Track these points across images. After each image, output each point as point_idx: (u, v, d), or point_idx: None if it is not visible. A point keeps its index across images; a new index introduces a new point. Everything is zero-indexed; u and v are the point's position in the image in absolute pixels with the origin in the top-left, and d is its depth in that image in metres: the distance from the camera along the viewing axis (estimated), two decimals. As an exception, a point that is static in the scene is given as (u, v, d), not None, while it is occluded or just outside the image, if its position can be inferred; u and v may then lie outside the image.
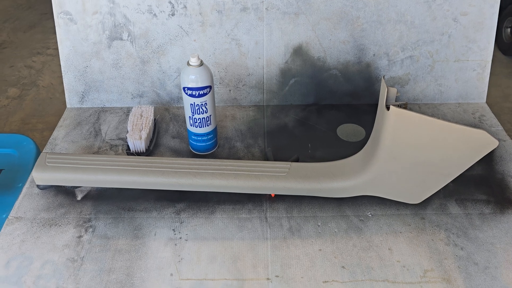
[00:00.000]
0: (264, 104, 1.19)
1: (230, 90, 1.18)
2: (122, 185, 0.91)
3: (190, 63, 0.91)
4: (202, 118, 0.96)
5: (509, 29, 2.64)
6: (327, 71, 1.16)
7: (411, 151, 0.80)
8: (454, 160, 0.79)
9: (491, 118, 1.14)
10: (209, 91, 0.93)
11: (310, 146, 1.04)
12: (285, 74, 1.16)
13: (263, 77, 1.16)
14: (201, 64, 0.91)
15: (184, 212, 0.89)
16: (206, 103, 0.94)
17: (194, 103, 0.93)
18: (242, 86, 1.17)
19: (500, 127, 1.11)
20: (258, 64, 1.15)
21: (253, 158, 1.02)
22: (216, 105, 1.18)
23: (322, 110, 1.17)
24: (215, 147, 1.03)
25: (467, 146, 0.77)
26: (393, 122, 0.77)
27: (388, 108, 0.76)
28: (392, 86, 1.17)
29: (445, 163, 0.80)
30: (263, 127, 1.11)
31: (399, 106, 0.77)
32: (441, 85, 1.18)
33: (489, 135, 0.74)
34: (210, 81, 0.93)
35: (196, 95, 0.92)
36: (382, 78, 0.80)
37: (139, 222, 0.87)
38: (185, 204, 0.91)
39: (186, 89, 0.92)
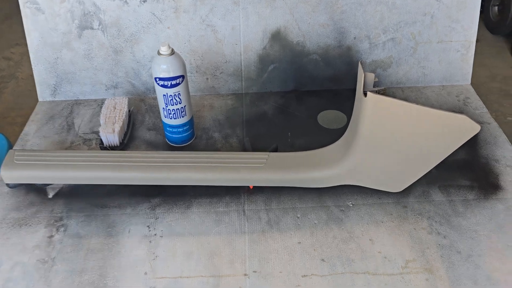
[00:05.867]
0: (243, 92, 1.15)
1: (207, 79, 1.14)
2: (94, 181, 0.87)
3: (161, 52, 0.87)
4: (177, 109, 0.92)
5: (496, 7, 2.60)
6: (307, 56, 1.12)
7: (390, 139, 0.77)
8: (435, 146, 0.76)
9: (475, 100, 1.11)
10: (182, 81, 0.89)
11: (289, 135, 1.01)
12: (263, 60, 1.12)
13: (241, 64, 1.12)
14: (172, 52, 0.87)
15: (160, 208, 0.86)
16: (179, 93, 0.90)
17: (167, 94, 0.90)
18: (220, 74, 1.13)
19: (485, 109, 1.08)
20: (235, 50, 1.10)
21: (231, 149, 0.99)
22: (193, 94, 1.15)
23: (303, 97, 1.13)
24: (192, 139, 1.00)
25: (448, 132, 0.74)
26: (370, 109, 0.74)
27: (365, 95, 0.73)
28: (374, 71, 1.14)
29: (426, 150, 0.77)
30: (241, 116, 1.08)
31: (377, 92, 0.74)
32: (424, 68, 1.14)
33: (470, 120, 0.72)
34: (182, 70, 0.89)
35: (169, 85, 0.88)
36: (359, 63, 0.76)
37: (112, 219, 0.84)
38: (161, 199, 0.88)
39: (157, 79, 0.88)
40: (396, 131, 0.75)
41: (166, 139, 1.00)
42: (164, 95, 0.90)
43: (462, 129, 0.73)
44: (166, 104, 0.91)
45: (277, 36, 1.09)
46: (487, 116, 1.06)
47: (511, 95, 2.03)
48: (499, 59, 2.25)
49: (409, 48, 1.12)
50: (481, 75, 2.11)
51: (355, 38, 1.10)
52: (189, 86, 1.14)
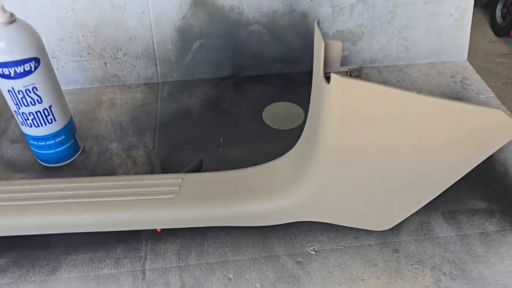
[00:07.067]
0: (159, 80, 0.82)
1: (105, 63, 0.80)
2: None
3: (-9, 19, 0.53)
4: (37, 112, 0.59)
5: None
6: (246, 27, 0.80)
7: (371, 150, 0.46)
8: (446, 159, 0.46)
9: (477, 81, 0.82)
10: (38, 66, 0.56)
11: (222, 141, 0.69)
12: (184, 35, 0.79)
13: (153, 41, 0.79)
14: (13, 20, 0.54)
15: (7, 274, 0.53)
16: (34, 87, 0.57)
17: (13, 88, 0.56)
18: (123, 56, 0.80)
19: (491, 94, 0.79)
20: (142, 21, 0.77)
21: (133, 167, 0.66)
22: (87, 86, 0.81)
23: (243, 85, 0.81)
24: (74, 154, 0.67)
25: (468, 138, 0.44)
26: (337, 102, 0.42)
27: (328, 79, 0.41)
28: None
29: (431, 166, 0.47)
30: (154, 116, 0.75)
31: (348, 73, 0.43)
32: (406, 39, 0.84)
33: (506, 116, 0.42)
34: (36, 49, 0.55)
35: (12, 74, 0.55)
36: (315, 24, 0.45)
37: None
38: (11, 258, 0.54)
39: (-7, 65, 0.54)
40: (382, 138, 0.44)
41: (36, 157, 0.66)
42: (9, 90, 0.56)
43: (493, 131, 0.43)
44: (17, 105, 0.58)
45: (201, 0, 0.77)
46: (496, 103, 0.77)
47: (493, 73, 1.78)
48: (479, 33, 2.00)
49: (386, 12, 0.81)
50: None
51: (311, 0, 0.79)
52: (80, 74, 0.80)
